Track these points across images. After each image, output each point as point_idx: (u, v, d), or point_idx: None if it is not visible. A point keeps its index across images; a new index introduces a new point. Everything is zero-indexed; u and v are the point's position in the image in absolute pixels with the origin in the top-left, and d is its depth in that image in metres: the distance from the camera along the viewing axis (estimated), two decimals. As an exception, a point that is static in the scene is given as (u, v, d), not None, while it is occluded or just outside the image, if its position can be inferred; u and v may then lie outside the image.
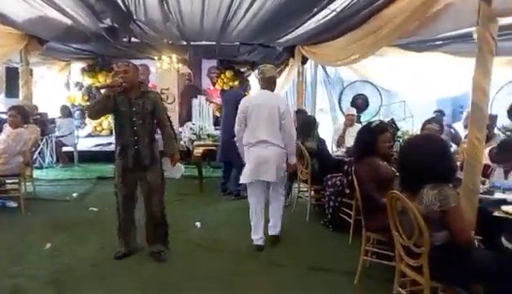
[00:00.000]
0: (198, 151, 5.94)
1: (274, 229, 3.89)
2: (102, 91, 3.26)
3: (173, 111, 10.58)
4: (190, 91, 10.75)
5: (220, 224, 4.47)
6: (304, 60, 6.93)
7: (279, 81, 8.57)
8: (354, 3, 4.01)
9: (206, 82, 11.50)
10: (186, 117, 9.36)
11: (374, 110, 7.39)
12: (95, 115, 3.39)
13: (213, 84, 11.54)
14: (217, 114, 9.29)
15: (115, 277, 3.13)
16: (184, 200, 5.37)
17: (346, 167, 4.12)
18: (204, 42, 6.86)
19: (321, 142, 4.79)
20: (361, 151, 3.22)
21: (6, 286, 2.92)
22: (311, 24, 5.12)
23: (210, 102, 8.36)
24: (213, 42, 6.78)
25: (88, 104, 3.31)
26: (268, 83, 3.71)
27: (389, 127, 3.70)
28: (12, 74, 7.08)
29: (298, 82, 7.09)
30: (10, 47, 5.72)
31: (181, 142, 6.76)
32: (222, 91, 11.25)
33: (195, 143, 6.07)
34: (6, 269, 3.18)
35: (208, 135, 6.31)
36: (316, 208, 4.80)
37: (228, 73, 11.21)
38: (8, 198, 4.91)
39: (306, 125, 4.92)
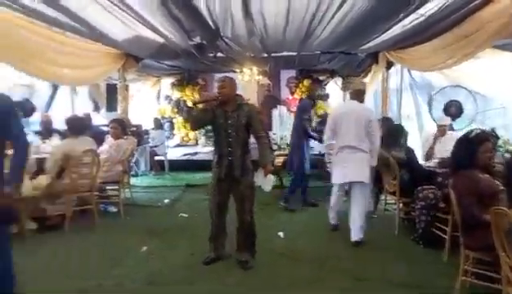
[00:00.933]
0: (278, 161, 6.02)
1: (357, 235, 4.05)
2: (200, 105, 3.44)
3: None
4: (270, 101, 10.97)
5: (303, 235, 4.45)
6: (389, 66, 6.66)
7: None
8: (445, 7, 3.78)
9: (285, 92, 11.62)
10: (266, 127, 9.51)
11: (468, 117, 6.79)
12: (195, 126, 3.63)
13: (292, 93, 11.61)
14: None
15: (204, 282, 3.27)
16: (265, 209, 5.44)
17: (440, 179, 3.85)
18: (284, 53, 6.93)
19: (410, 151, 4.51)
20: (459, 163, 2.98)
21: (109, 285, 3.20)
22: (396, 29, 4.91)
23: (290, 112, 8.41)
24: (294, 53, 6.82)
25: (187, 117, 3.52)
26: (356, 95, 4.23)
27: (490, 137, 3.38)
28: (112, 90, 7.86)
29: (383, 89, 6.81)
30: (110, 66, 6.35)
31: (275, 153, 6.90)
32: (300, 100, 11.31)
33: (276, 153, 6.15)
34: (110, 270, 3.50)
35: (288, 145, 6.37)
36: (406, 222, 4.54)
37: (306, 82, 11.20)
38: (109, 203, 5.42)
39: (392, 133, 4.68)
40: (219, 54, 6.62)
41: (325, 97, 11.26)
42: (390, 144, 4.53)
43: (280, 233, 4.45)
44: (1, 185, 2.40)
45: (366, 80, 7.93)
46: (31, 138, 6.04)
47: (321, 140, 5.31)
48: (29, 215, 4.31)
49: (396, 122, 5.91)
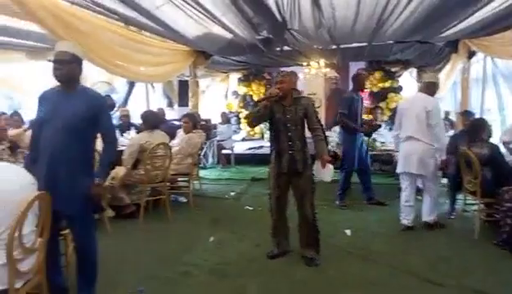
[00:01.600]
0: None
1: (426, 216, 4.29)
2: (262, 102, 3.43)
3: (320, 116, 10.72)
4: (337, 95, 10.66)
5: (371, 233, 4.27)
6: (470, 55, 6.13)
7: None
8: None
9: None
10: (332, 121, 9.28)
11: None
12: (254, 124, 3.59)
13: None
14: (365, 117, 8.97)
15: (267, 275, 3.28)
16: (331, 205, 5.32)
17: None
18: (354, 45, 6.68)
19: (494, 148, 4.09)
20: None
21: (178, 271, 3.35)
22: (480, 14, 4.48)
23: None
24: (364, 44, 6.54)
25: (248, 114, 3.56)
26: (427, 87, 4.24)
27: None
28: (183, 86, 8.21)
29: (463, 79, 6.29)
30: (181, 63, 6.63)
31: (329, 146, 6.76)
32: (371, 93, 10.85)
33: (343, 148, 5.94)
34: (180, 257, 3.65)
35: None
36: (487, 225, 4.15)
37: (378, 74, 10.72)
38: (180, 194, 5.67)
39: (474, 128, 4.29)
40: (285, 47, 6.58)
41: (398, 89, 10.70)
42: (471, 139, 4.17)
43: (347, 231, 4.32)
44: (92, 177, 2.59)
45: (445, 71, 7.40)
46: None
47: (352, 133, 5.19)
48: (108, 203, 4.65)
49: (478, 117, 5.41)
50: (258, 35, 5.09)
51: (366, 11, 4.42)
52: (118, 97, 7.73)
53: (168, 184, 5.34)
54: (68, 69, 2.53)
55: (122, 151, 4.74)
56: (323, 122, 10.21)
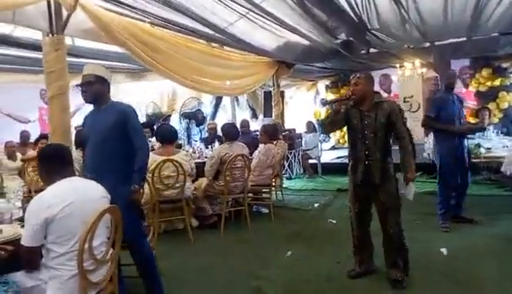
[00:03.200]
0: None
1: None
2: (333, 105, 3.24)
3: (418, 120, 9.88)
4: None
5: (475, 254, 3.68)
6: None
7: None
8: None
9: (458, 85, 10.12)
10: (424, 122, 8.46)
11: None
12: (327, 129, 3.43)
13: (466, 86, 10.07)
14: (471, 120, 7.99)
15: (348, 297, 3.01)
16: (426, 220, 4.76)
17: None
18: (451, 40, 6.00)
19: None
20: None
21: (251, 287, 3.25)
22: None
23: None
24: (463, 38, 5.83)
25: (322, 119, 3.43)
26: None
27: None
28: (268, 97, 8.26)
29: None
30: (264, 74, 6.68)
31: (425, 154, 6.13)
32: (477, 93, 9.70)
33: (441, 155, 5.32)
34: (255, 271, 3.57)
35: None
36: None
37: (485, 72, 9.54)
38: (262, 205, 5.64)
39: None
40: (372, 49, 6.19)
41: (511, 87, 9.36)
42: None
43: (443, 250, 3.80)
44: (129, 184, 2.68)
45: None
46: (197, 144, 6.85)
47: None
48: (192, 213, 4.81)
49: None
50: (336, 39, 4.86)
51: (456, 0, 3.91)
52: (206, 111, 8.09)
53: (249, 194, 5.39)
54: (92, 90, 2.72)
55: (205, 163, 4.90)
56: (421, 130, 9.55)
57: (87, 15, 3.48)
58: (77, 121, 5.16)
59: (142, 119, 7.19)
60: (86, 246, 2.07)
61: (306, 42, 5.17)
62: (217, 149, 5.06)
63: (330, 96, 11.20)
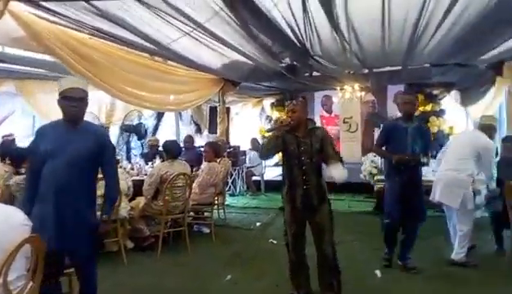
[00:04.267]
0: (380, 186, 5.44)
1: (454, 253, 4.06)
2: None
3: (356, 140, 10.34)
4: (374, 118, 10.26)
5: (407, 275, 3.84)
6: (517, 78, 5.61)
7: (484, 102, 7.24)
8: None
9: (393, 109, 10.73)
10: (370, 146, 8.88)
11: None
12: (266, 155, 3.38)
13: (400, 110, 10.67)
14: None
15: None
16: (362, 240, 4.93)
17: None
18: (388, 68, 6.36)
19: None
20: None
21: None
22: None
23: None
24: (399, 67, 6.20)
25: (261, 145, 3.46)
26: (484, 130, 4.09)
27: None
28: (213, 113, 8.19)
29: (508, 105, 5.76)
30: (210, 89, 6.62)
31: (361, 175, 6.38)
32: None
33: (377, 177, 5.58)
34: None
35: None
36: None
37: (418, 97, 10.20)
38: (203, 224, 5.52)
39: None
40: (315, 73, 6.38)
41: (441, 113, 10.11)
42: None
43: (377, 272, 3.93)
44: (93, 213, 2.60)
45: (490, 94, 6.87)
46: (137, 160, 6.58)
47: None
48: (128, 234, 4.57)
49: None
50: (281, 63, 4.95)
51: (392, 33, 4.16)
52: (148, 124, 7.83)
53: (191, 214, 5.24)
54: (84, 106, 2.51)
55: (143, 181, 4.69)
56: (359, 147, 9.90)
57: (16, 22, 3.21)
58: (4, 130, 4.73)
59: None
60: (0, 280, 1.85)
61: (250, 63, 5.21)
62: (158, 166, 4.88)
63: (276, 114, 11.40)
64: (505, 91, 5.88)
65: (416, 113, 10.25)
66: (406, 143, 3.76)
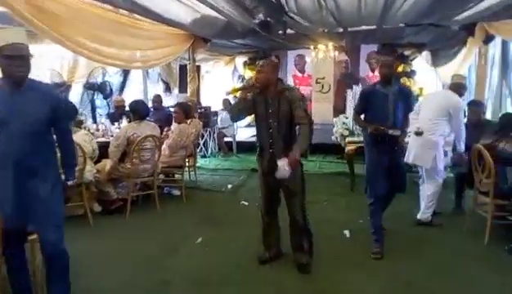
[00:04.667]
0: (351, 148, 5.47)
1: (420, 213, 4.16)
2: (239, 93, 3.11)
3: (328, 101, 10.31)
4: (347, 78, 10.23)
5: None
6: (488, 40, 5.64)
7: (454, 63, 7.29)
8: None
9: (365, 69, 10.73)
10: (342, 107, 8.92)
11: None
12: (235, 117, 3.26)
13: (373, 71, 10.70)
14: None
15: (254, 284, 3.02)
16: (332, 201, 5.01)
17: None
18: (363, 28, 6.22)
19: None
20: None
21: (158, 279, 3.08)
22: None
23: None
24: (373, 27, 6.08)
25: (229, 108, 3.31)
26: (454, 87, 4.07)
27: None
28: (183, 71, 7.85)
29: (479, 66, 5.81)
30: (179, 46, 6.28)
31: (333, 137, 6.38)
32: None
33: (348, 139, 5.58)
34: (163, 261, 3.40)
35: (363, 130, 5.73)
36: (502, 230, 3.78)
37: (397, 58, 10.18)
38: (174, 186, 5.42)
39: (507, 122, 3.83)
40: (289, 30, 6.17)
41: (412, 74, 10.18)
42: (504, 134, 3.74)
43: (346, 232, 4.01)
44: (58, 179, 2.47)
45: (460, 55, 6.91)
46: (103, 120, 6.30)
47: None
48: (95, 197, 4.42)
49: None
50: (255, 19, 4.71)
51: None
52: (114, 82, 7.42)
53: (161, 176, 5.12)
54: (29, 64, 2.22)
55: (109, 142, 4.49)
56: (331, 108, 9.85)
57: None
58: None
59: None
60: None
61: (222, 19, 4.93)
62: (124, 127, 4.67)
63: (248, 73, 11.12)
64: (475, 52, 5.90)
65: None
66: (387, 110, 3.42)
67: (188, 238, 3.90)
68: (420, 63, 10.26)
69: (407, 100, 3.61)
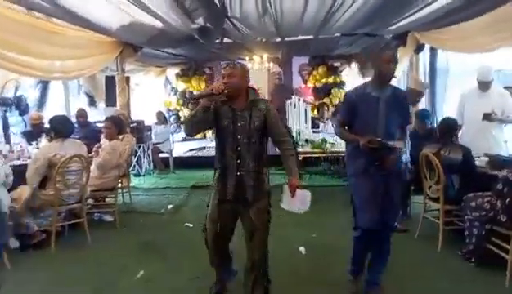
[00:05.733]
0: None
1: None
2: (201, 100, 2.55)
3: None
4: (281, 90, 10.29)
5: (330, 249, 3.74)
6: (418, 49, 5.91)
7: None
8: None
9: (297, 80, 10.92)
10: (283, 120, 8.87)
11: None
12: (192, 130, 2.67)
13: (305, 82, 10.94)
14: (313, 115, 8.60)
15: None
16: (284, 215, 4.76)
17: (500, 187, 3.11)
18: (300, 37, 6.19)
19: (468, 152, 3.67)
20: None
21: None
22: (434, 6, 4.17)
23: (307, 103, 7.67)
24: (310, 36, 6.07)
25: (184, 119, 2.83)
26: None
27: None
28: (111, 83, 7.21)
29: (411, 76, 6.05)
30: (105, 55, 5.71)
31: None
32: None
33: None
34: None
35: (307, 141, 5.64)
36: (451, 235, 3.82)
37: (321, 69, 10.48)
38: (105, 212, 4.81)
39: (447, 129, 3.85)
40: (226, 40, 5.93)
41: (341, 85, 10.53)
42: (445, 141, 3.78)
43: (302, 249, 3.78)
44: None
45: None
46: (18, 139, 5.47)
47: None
48: (10, 232, 3.70)
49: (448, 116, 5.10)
50: (194, 23, 4.37)
51: (314, 2, 3.92)
52: (29, 97, 6.53)
53: (89, 201, 4.52)
54: None
55: (26, 166, 3.82)
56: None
57: None
58: None
59: None
60: None
61: (157, 24, 4.52)
62: (44, 148, 4.02)
63: (181, 85, 10.68)
64: (408, 61, 6.12)
65: (319, 85, 10.78)
66: (377, 119, 2.66)
67: (126, 272, 3.38)
68: (349, 74, 10.62)
69: (402, 107, 2.79)
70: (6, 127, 5.79)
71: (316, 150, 5.35)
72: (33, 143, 5.07)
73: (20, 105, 6.17)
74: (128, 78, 7.58)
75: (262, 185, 2.60)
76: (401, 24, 5.07)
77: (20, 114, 6.28)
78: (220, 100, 2.49)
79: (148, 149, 7.61)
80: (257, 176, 2.56)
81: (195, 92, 9.79)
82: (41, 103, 6.82)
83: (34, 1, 3.58)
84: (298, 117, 6.68)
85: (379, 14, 4.63)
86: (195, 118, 2.50)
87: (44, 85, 6.82)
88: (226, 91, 2.42)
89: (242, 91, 2.52)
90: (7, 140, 5.56)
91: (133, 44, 5.90)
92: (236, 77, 2.48)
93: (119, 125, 4.67)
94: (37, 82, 6.62)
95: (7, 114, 5.86)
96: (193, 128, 2.61)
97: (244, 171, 2.53)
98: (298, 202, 2.56)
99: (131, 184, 5.78)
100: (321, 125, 7.71)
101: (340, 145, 5.47)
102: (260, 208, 2.58)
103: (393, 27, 5.29)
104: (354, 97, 2.78)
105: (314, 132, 6.65)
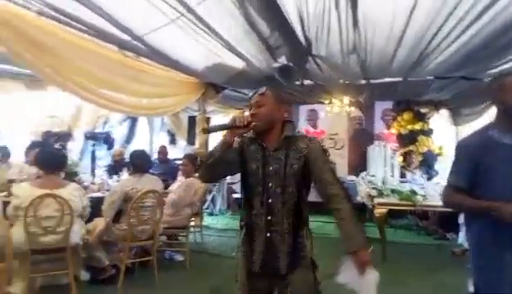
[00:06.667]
0: (380, 211, 4.79)
1: None
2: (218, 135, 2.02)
3: (342, 157, 9.82)
4: (362, 135, 9.84)
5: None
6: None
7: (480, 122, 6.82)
8: None
9: (379, 126, 10.33)
10: (356, 165, 8.42)
11: None
12: (207, 174, 2.02)
13: (388, 128, 10.31)
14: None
15: None
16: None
17: None
18: (386, 79, 5.79)
19: None
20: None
21: None
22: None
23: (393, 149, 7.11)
24: (399, 79, 5.64)
25: (200, 161, 2.33)
26: None
27: None
28: (193, 123, 7.42)
29: None
30: (190, 95, 5.84)
31: (358, 197, 5.72)
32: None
33: (376, 200, 4.90)
34: None
35: (393, 191, 5.08)
36: None
37: (406, 115, 9.79)
38: (177, 251, 4.69)
39: None
40: (306, 81, 5.77)
41: (429, 132, 9.74)
42: None
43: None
44: None
45: (492, 111, 6.43)
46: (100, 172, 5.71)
47: None
48: (83, 263, 3.71)
49: None
50: (276, 62, 4.27)
51: (409, 41, 3.62)
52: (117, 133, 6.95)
53: (161, 239, 4.45)
54: None
55: (102, 199, 3.88)
56: (345, 168, 9.36)
57: None
58: None
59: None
60: None
61: (239, 64, 4.51)
62: (122, 181, 4.09)
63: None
64: None
65: (404, 132, 10.10)
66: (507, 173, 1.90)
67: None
68: (437, 121, 9.85)
69: None
70: (93, 160, 6.14)
71: (404, 202, 4.78)
72: (114, 176, 5.24)
73: (108, 140, 6.58)
74: (208, 119, 7.76)
75: (303, 253, 1.91)
76: (505, 66, 4.47)
77: (108, 149, 6.68)
78: (245, 134, 1.92)
79: (223, 188, 7.55)
80: (293, 240, 1.89)
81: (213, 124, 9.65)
82: (128, 139, 7.20)
83: (127, 40, 3.74)
84: (383, 164, 6.15)
85: (480, 55, 4.13)
86: (212, 159, 1.88)
87: (132, 122, 7.22)
88: (253, 124, 1.86)
89: (275, 125, 1.93)
90: (93, 172, 5.87)
91: (215, 85, 6.00)
92: (266, 105, 1.89)
93: (195, 163, 4.62)
94: (123, 118, 7.02)
95: (96, 148, 6.23)
96: (208, 171, 1.97)
97: (276, 231, 1.88)
98: (364, 282, 1.78)
99: (203, 224, 5.67)
100: (409, 175, 7.03)
101: (433, 198, 4.84)
102: (303, 282, 1.88)
103: (496, 70, 4.68)
104: (476, 148, 1.98)
105: (401, 182, 6.06)
